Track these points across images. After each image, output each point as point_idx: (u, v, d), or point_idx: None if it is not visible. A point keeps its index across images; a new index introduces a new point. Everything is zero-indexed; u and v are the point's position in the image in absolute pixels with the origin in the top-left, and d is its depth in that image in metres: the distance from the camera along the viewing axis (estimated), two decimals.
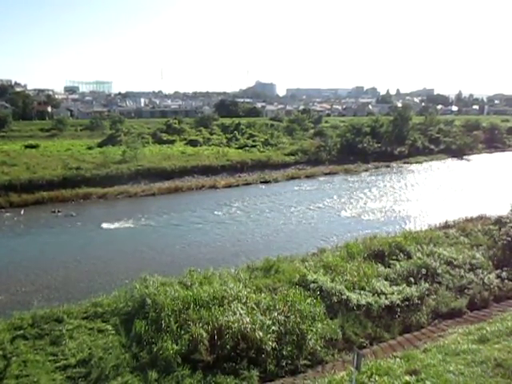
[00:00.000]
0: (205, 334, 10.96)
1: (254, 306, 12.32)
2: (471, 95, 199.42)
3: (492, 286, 15.40)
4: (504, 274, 16.27)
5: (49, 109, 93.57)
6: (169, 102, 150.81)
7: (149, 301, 12.15)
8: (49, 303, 14.18)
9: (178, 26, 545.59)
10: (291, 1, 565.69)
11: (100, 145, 56.58)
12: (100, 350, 10.73)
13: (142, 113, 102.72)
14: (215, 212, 33.55)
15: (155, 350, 10.60)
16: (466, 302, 14.54)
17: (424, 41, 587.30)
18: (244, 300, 12.51)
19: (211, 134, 67.73)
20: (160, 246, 25.36)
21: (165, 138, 62.57)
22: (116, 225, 29.79)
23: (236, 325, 11.11)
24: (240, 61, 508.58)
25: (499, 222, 20.10)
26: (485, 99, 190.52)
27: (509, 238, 17.58)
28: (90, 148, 54.18)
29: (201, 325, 11.28)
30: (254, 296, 12.97)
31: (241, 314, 11.50)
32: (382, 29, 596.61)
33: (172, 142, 61.74)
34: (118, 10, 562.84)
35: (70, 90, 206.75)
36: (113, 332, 11.64)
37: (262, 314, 11.94)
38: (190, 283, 13.86)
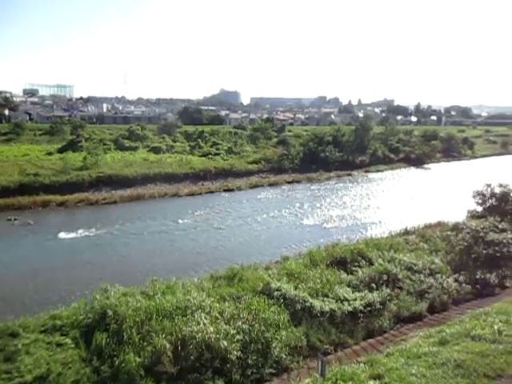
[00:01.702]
0: (168, 345, 10.72)
1: (217, 315, 12.18)
2: (429, 106, 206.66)
3: (450, 290, 15.91)
4: (461, 278, 16.86)
5: (6, 112, 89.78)
6: (132, 107, 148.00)
7: (110, 312, 11.74)
8: (3, 317, 13.44)
9: (142, 32, 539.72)
10: (255, 11, 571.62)
11: (60, 150, 54.71)
12: (59, 365, 10.25)
13: (104, 118, 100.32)
14: (178, 220, 33.09)
15: (117, 363, 10.27)
16: (426, 306, 14.95)
17: (385, 53, 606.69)
18: (208, 309, 12.34)
19: (174, 141, 66.97)
20: (121, 255, 24.73)
21: (127, 145, 61.32)
22: (76, 233, 28.83)
23: (200, 335, 10.93)
24: (204, 68, 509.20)
25: (456, 228, 20.80)
26: (442, 110, 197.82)
27: (465, 244, 18.21)
28: (49, 154, 52.31)
29: (164, 336, 11.03)
30: (217, 305, 12.82)
31: (204, 324, 11.33)
32: (344, 40, 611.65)
33: (134, 148, 60.58)
34: (80, 12, 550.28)
35: (30, 92, 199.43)
36: (72, 346, 11.15)
37: (226, 323, 11.81)
38: (152, 293, 13.53)
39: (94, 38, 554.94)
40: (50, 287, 19.45)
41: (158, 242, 27.76)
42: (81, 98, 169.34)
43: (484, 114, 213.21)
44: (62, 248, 26.23)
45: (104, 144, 58.42)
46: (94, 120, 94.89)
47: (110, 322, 11.49)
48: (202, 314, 11.90)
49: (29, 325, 12.00)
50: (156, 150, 59.55)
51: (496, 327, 10.65)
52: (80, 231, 29.26)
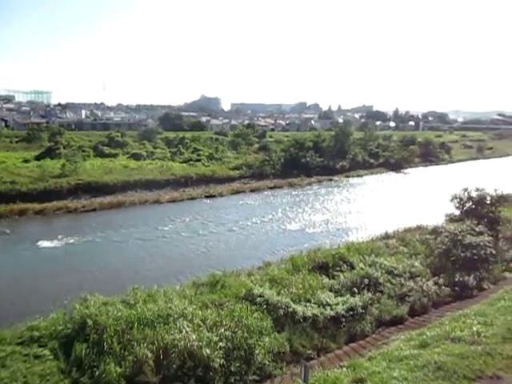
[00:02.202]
0: (150, 354, 10.58)
1: (200, 322, 12.09)
2: (407, 112, 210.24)
3: (430, 293, 16.14)
4: (441, 281, 17.13)
5: None
6: (111, 114, 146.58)
7: (90, 322, 11.52)
8: None
9: (121, 37, 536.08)
10: (236, 17, 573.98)
11: (37, 158, 53.75)
12: (36, 378, 9.97)
13: (83, 125, 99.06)
14: (159, 227, 32.80)
15: (97, 373, 10.07)
16: (407, 309, 15.13)
17: (364, 59, 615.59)
18: (190, 317, 12.24)
19: (155, 147, 66.58)
20: (101, 263, 24.36)
21: (107, 152, 60.67)
22: (54, 242, 28.28)
23: (182, 343, 10.83)
24: (185, 74, 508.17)
25: (435, 231, 21.14)
26: (420, 116, 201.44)
27: (444, 247, 18.49)
28: (26, 161, 51.29)
29: (145, 345, 10.89)
30: (200, 312, 12.73)
31: (187, 332, 11.24)
32: (324, 47, 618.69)
33: (114, 155, 59.97)
34: (57, 17, 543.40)
35: (5, 98, 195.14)
36: (51, 357, 10.88)
37: (208, 331, 11.74)
38: (133, 301, 13.34)
39: (72, 43, 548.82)
40: (28, 297, 19.02)
41: (140, 249, 27.46)
42: (59, 105, 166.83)
43: (460, 119, 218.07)
44: (41, 257, 25.70)
45: (83, 151, 57.68)
46: (73, 127, 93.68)
47: (90, 332, 11.27)
48: (184, 322, 11.80)
49: (5, 337, 11.67)
50: (136, 157, 59.05)
51: (475, 329, 10.83)
52: (59, 240, 28.74)
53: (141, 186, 45.50)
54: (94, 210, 38.12)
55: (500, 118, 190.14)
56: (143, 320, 11.89)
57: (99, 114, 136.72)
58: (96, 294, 13.68)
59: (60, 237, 29.18)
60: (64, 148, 57.89)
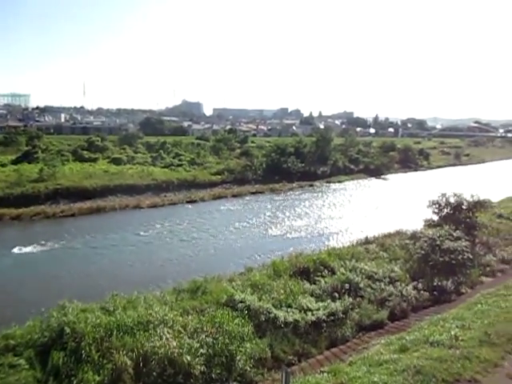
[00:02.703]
0: (129, 362, 10.42)
1: (180, 329, 11.96)
2: (387, 119, 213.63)
3: (410, 297, 16.35)
4: (420, 286, 17.36)
5: None
6: (91, 118, 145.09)
7: (67, 329, 11.26)
8: None
9: (102, 40, 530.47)
10: (217, 21, 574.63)
11: (14, 162, 52.67)
12: None
13: (62, 129, 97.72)
14: (140, 233, 32.46)
15: (75, 382, 9.85)
16: (386, 314, 15.27)
17: (344, 66, 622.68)
18: (170, 323, 12.09)
19: (136, 152, 66.04)
20: (80, 269, 23.94)
21: (86, 156, 59.86)
22: (32, 248, 27.70)
23: (162, 350, 10.70)
24: (166, 79, 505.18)
25: (414, 236, 21.41)
26: (399, 122, 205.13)
27: (423, 252, 18.76)
28: (2, 165, 50.24)
29: (125, 352, 10.71)
30: (180, 319, 12.60)
31: (167, 339, 11.10)
32: (305, 53, 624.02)
33: (94, 160, 59.22)
34: (34, 17, 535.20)
35: None
36: (26, 367, 10.57)
37: (189, 337, 11.62)
38: (112, 308, 13.10)
39: (51, 45, 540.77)
40: (3, 305, 18.51)
41: (120, 255, 27.11)
42: (37, 108, 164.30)
43: (438, 126, 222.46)
44: (17, 263, 25.13)
45: (62, 155, 56.80)
46: (52, 130, 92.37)
47: (68, 340, 11.02)
48: (165, 329, 11.66)
49: None
50: (117, 162, 58.44)
51: (453, 333, 11.01)
52: (36, 245, 28.16)
53: (121, 191, 44.99)
54: (73, 215, 37.51)
55: (476, 125, 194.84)
56: (123, 327, 11.70)
57: (79, 118, 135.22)
58: (74, 300, 13.41)
59: (37, 243, 28.60)
60: (42, 152, 56.92)
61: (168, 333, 11.44)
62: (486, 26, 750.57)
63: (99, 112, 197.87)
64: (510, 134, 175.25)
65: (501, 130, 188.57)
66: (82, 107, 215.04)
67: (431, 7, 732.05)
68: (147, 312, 12.55)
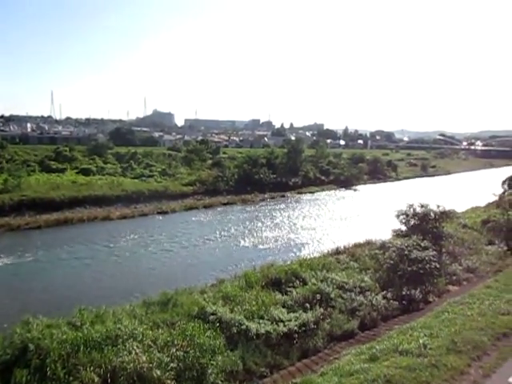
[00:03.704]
0: (96, 379, 10.10)
1: (150, 343, 11.72)
2: (356, 131, 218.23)
3: (379, 307, 16.57)
4: (389, 295, 17.63)
5: None
6: (59, 128, 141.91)
7: (31, 346, 10.85)
8: None
9: (69, 48, 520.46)
10: (187, 30, 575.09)
11: None
12: None
13: (28, 138, 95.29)
14: (109, 245, 31.79)
15: None
16: (357, 324, 15.41)
17: (315, 79, 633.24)
18: (140, 337, 11.83)
19: (105, 162, 65.04)
20: (46, 283, 23.19)
21: (54, 167, 58.52)
22: None
23: (131, 365, 10.43)
24: (137, 88, 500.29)
25: (383, 246, 21.77)
26: (368, 135, 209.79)
27: (392, 262, 19.07)
28: None
29: (92, 368, 10.38)
30: (150, 332, 12.35)
31: (136, 353, 10.84)
32: (276, 65, 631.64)
33: (62, 170, 57.95)
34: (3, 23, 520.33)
35: None
36: None
37: (159, 351, 11.39)
38: (80, 323, 12.73)
39: (17, 53, 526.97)
40: None
41: (87, 268, 26.43)
42: (2, 117, 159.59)
43: (405, 138, 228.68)
44: None
45: (28, 165, 55.42)
46: (17, 140, 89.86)
47: (32, 357, 10.61)
48: (134, 343, 11.39)
49: None
50: (85, 172, 57.40)
51: (421, 341, 11.21)
52: None
53: (90, 202, 44.04)
54: (39, 227, 36.41)
55: (441, 138, 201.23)
56: (90, 342, 11.37)
57: (46, 128, 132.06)
58: (39, 316, 12.97)
59: (0, 256, 27.57)
60: (7, 162, 55.41)
61: (137, 347, 11.18)
62: (452, 45, 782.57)
63: (68, 122, 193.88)
64: (472, 147, 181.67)
65: (464, 143, 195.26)
66: (49, 117, 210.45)
67: (399, 22, 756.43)
68: (116, 326, 12.25)
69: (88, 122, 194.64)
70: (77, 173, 57.55)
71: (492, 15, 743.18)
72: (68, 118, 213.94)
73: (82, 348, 11.10)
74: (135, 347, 11.13)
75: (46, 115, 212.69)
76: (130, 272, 25.71)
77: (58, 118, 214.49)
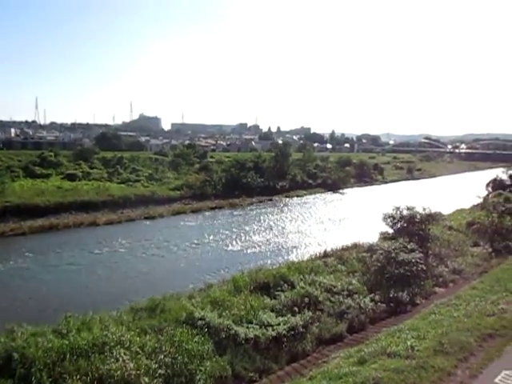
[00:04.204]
0: None
1: (138, 349, 11.62)
2: (343, 134, 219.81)
3: (367, 310, 16.66)
4: (377, 297, 17.75)
5: None
6: (44, 133, 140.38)
7: (16, 355, 10.68)
8: None
9: (53, 53, 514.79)
10: (174, 33, 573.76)
11: None
12: None
13: (12, 144, 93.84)
14: (95, 251, 31.44)
15: None
16: (345, 327, 15.47)
17: (302, 83, 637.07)
18: (127, 344, 11.73)
19: (91, 167, 64.29)
20: (32, 290, 22.81)
21: (38, 172, 57.68)
22: None
23: (119, 372, 10.33)
24: (124, 93, 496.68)
25: (371, 249, 21.91)
26: (354, 138, 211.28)
27: (379, 264, 19.22)
28: None
29: (78, 376, 10.28)
30: (138, 339, 12.25)
31: (124, 360, 10.73)
32: (263, 68, 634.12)
33: (47, 176, 57.15)
34: None
35: None
36: None
37: (147, 358, 11.30)
38: (66, 331, 12.57)
39: (1, 58, 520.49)
40: None
41: (73, 274, 26.09)
42: None
43: (391, 142, 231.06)
44: None
45: (12, 171, 54.45)
46: (1, 145, 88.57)
47: (17, 367, 10.45)
48: (121, 350, 11.27)
49: None
50: (71, 177, 56.69)
51: (409, 343, 11.29)
52: None
53: (76, 208, 43.50)
54: (24, 233, 35.85)
55: (427, 141, 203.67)
56: (76, 350, 11.24)
57: (30, 133, 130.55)
58: (24, 324, 12.78)
59: None
60: None
61: (125, 354, 11.08)
62: (436, 51, 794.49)
63: (52, 127, 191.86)
64: (457, 150, 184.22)
65: (449, 146, 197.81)
66: (33, 122, 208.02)
67: (383, 27, 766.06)
68: (103, 333, 12.13)
69: (73, 127, 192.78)
70: (62, 178, 56.83)
71: (472, 21, 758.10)
72: (53, 123, 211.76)
73: (68, 356, 10.98)
74: (122, 354, 11.03)
75: (30, 120, 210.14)
76: (117, 278, 25.45)
77: (42, 122, 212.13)
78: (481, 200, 42.86)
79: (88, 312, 14.60)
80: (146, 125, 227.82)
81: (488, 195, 50.22)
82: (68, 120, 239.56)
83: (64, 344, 11.38)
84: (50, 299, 21.46)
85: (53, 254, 30.39)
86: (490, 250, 27.15)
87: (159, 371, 10.82)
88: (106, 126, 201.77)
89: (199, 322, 13.69)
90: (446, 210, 38.30)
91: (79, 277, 25.59)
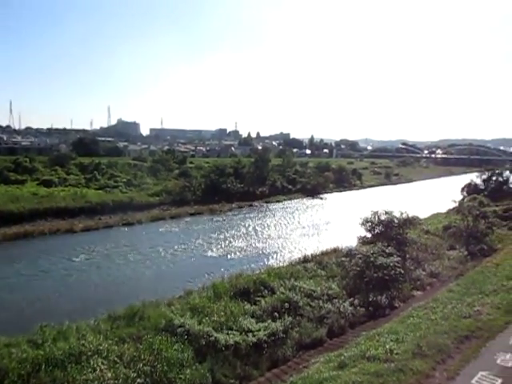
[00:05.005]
0: None
1: (116, 358, 11.44)
2: (322, 140, 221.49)
3: (347, 314, 16.81)
4: (356, 302, 17.92)
5: None
6: (19, 138, 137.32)
7: None
8: None
9: (28, 55, 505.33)
10: (150, 39, 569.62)
11: None
12: None
13: None
14: (72, 258, 30.81)
15: None
16: (325, 331, 15.56)
17: (281, 88, 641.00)
18: (105, 353, 11.54)
19: (68, 173, 63.25)
20: (4, 300, 22.20)
21: (13, 178, 56.40)
22: None
23: (96, 382, 10.16)
24: (101, 97, 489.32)
25: (350, 254, 22.12)
26: (333, 144, 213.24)
27: (358, 268, 19.39)
28: None
29: None
30: (116, 348, 12.06)
31: (101, 370, 10.55)
32: (243, 73, 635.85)
33: (22, 182, 55.94)
34: None
35: None
36: None
37: (125, 367, 11.13)
38: (41, 341, 12.29)
39: None
40: None
41: (49, 283, 25.51)
42: None
43: (369, 147, 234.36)
44: None
45: None
46: None
47: None
48: (99, 360, 11.08)
49: None
50: (47, 184, 55.61)
51: (388, 346, 11.40)
52: None
53: (52, 215, 42.59)
54: None
55: (403, 146, 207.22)
56: (52, 360, 10.99)
57: (4, 138, 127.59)
58: None
59: None
60: None
61: (102, 364, 10.89)
62: (411, 57, 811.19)
63: (28, 132, 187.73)
64: (433, 155, 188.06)
65: (425, 151, 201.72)
66: (8, 126, 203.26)
67: (356, 34, 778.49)
68: (79, 342, 11.91)
69: (49, 132, 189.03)
70: (38, 184, 55.71)
71: (446, 29, 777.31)
72: (28, 128, 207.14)
73: (43, 367, 10.74)
74: (100, 364, 10.84)
75: (4, 125, 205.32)
76: (93, 285, 24.98)
77: (17, 127, 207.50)
78: (456, 204, 43.73)
79: (64, 321, 14.31)
80: (125, 130, 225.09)
81: (463, 199, 51.26)
82: (44, 125, 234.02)
83: (39, 354, 11.13)
84: (24, 308, 20.91)
85: (27, 261, 29.64)
86: (466, 253, 27.73)
87: (138, 380, 10.67)
88: (84, 131, 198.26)
89: (179, 330, 13.57)
90: (423, 214, 39.03)
91: (54, 285, 25.01)
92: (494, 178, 58.59)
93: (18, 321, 18.48)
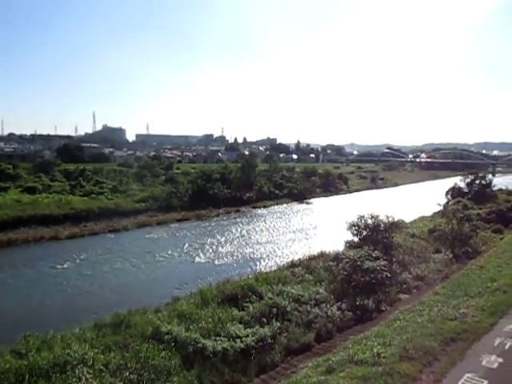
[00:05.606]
0: None
1: (102, 367, 11.29)
2: (308, 145, 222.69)
3: (335, 318, 16.85)
4: (344, 306, 17.98)
5: None
6: (1, 144, 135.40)
7: None
8: None
9: (13, 62, 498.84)
10: (136, 43, 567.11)
11: None
12: None
13: None
14: (56, 266, 30.37)
15: None
16: (313, 336, 15.56)
17: (267, 94, 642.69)
18: (90, 362, 11.37)
19: (52, 180, 62.51)
20: None
21: None
22: None
23: None
24: (86, 103, 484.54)
25: (337, 258, 22.16)
26: (319, 149, 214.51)
27: (345, 273, 19.47)
28: None
29: None
30: (102, 356, 11.89)
31: (87, 379, 10.40)
32: (229, 79, 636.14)
33: (5, 189, 55.05)
34: None
35: None
36: None
37: (111, 376, 10.98)
38: (25, 350, 12.07)
39: None
40: None
41: (33, 291, 25.06)
42: None
43: (355, 152, 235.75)
44: None
45: None
46: None
47: None
48: (84, 369, 10.91)
49: None
50: (31, 190, 54.85)
51: (375, 350, 11.44)
52: None
53: (36, 222, 41.96)
54: None
55: (389, 151, 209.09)
56: (36, 370, 10.80)
57: None
58: None
59: None
60: None
61: (88, 373, 10.73)
62: (395, 61, 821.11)
63: (11, 138, 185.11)
64: (418, 159, 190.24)
65: (410, 156, 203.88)
66: None
67: (344, 38, 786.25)
68: (64, 352, 11.72)
69: (33, 139, 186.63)
70: (21, 191, 54.89)
71: (428, 33, 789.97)
72: (11, 134, 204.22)
73: (27, 377, 10.54)
74: (85, 373, 10.69)
75: None
76: (79, 293, 24.63)
77: None
78: (441, 207, 44.34)
79: (49, 329, 14.08)
80: (110, 136, 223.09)
81: (448, 203, 52.02)
82: (27, 131, 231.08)
83: (23, 364, 10.93)
84: (6, 317, 20.53)
85: (11, 270, 29.16)
86: (451, 255, 28.06)
87: None
88: (69, 137, 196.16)
89: (166, 337, 13.45)
90: (409, 217, 39.39)
91: (38, 293, 24.57)
92: (477, 182, 59.46)
93: (1, 330, 18.11)
